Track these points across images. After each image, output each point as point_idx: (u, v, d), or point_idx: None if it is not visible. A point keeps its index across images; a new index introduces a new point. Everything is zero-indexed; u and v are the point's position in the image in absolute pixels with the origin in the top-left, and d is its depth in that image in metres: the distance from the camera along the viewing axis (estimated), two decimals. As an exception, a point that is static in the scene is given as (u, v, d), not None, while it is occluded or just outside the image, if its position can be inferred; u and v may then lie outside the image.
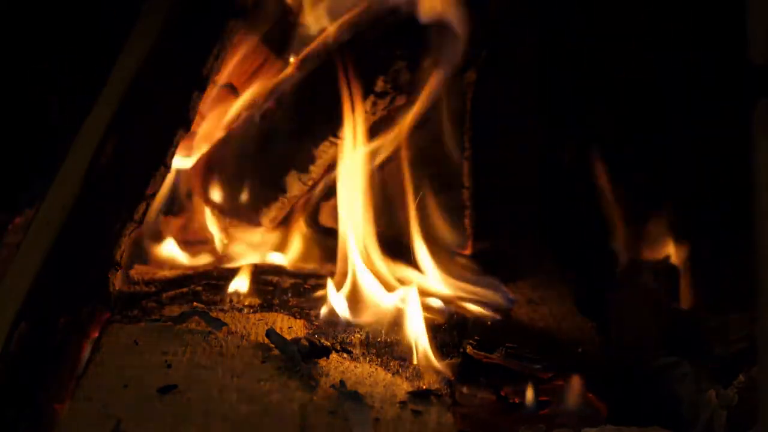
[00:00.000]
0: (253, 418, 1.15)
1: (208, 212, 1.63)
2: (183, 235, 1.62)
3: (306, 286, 1.54)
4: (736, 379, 1.30)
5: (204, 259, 1.59)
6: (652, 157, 1.57)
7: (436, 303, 1.46)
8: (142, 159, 1.41)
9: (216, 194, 1.62)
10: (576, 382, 1.32)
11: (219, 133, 1.62)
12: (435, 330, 1.40)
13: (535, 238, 1.66)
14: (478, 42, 1.55)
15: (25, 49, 1.52)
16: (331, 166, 1.58)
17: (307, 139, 1.57)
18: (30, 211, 1.39)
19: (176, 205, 1.63)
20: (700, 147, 1.52)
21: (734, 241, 1.40)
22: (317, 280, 1.53)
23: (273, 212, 1.60)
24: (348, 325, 1.40)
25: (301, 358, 1.26)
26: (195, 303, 1.46)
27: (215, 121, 1.62)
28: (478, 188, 1.64)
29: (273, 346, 1.31)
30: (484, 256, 1.61)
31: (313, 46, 1.59)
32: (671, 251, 1.55)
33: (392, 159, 1.60)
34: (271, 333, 1.32)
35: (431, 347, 1.34)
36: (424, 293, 1.46)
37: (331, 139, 1.55)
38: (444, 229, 1.60)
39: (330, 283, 1.44)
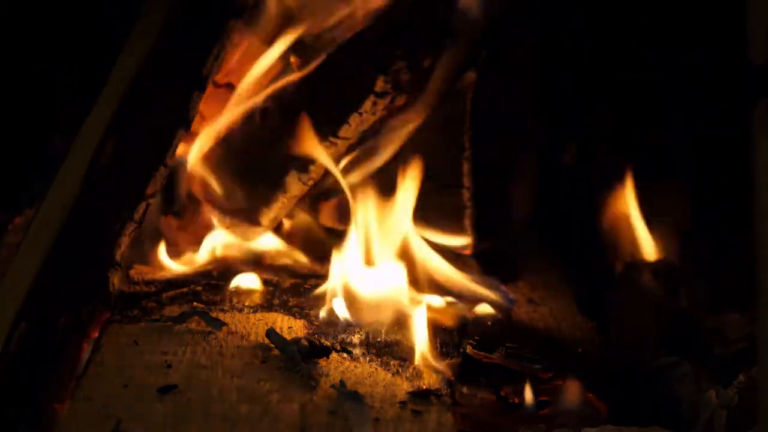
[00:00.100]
0: (253, 418, 1.15)
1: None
2: (182, 235, 1.62)
3: (306, 286, 1.54)
4: (736, 379, 1.30)
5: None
6: (652, 157, 1.57)
7: (438, 303, 1.46)
8: (142, 159, 1.41)
9: (216, 194, 1.62)
10: (576, 382, 1.32)
11: (219, 133, 1.62)
12: (435, 330, 1.40)
13: (535, 238, 1.66)
14: (478, 42, 1.55)
15: (25, 49, 1.52)
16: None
17: (307, 138, 1.57)
18: (30, 211, 1.39)
19: (176, 205, 1.63)
20: (700, 147, 1.52)
21: (734, 241, 1.40)
22: (317, 280, 1.53)
23: (273, 212, 1.60)
24: (348, 325, 1.40)
25: (301, 358, 1.26)
26: (195, 303, 1.46)
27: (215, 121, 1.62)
28: (478, 188, 1.64)
29: (273, 346, 1.31)
30: (484, 256, 1.61)
31: (312, 45, 1.59)
32: (671, 251, 1.55)
33: (393, 158, 1.60)
34: (271, 333, 1.32)
35: (432, 347, 1.34)
36: (425, 293, 1.47)
37: (331, 139, 1.55)
38: (444, 229, 1.60)
39: (329, 284, 1.45)
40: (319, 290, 1.49)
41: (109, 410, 1.15)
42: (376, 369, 1.30)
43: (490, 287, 1.51)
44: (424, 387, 1.25)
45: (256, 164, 1.60)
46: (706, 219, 1.52)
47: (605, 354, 1.44)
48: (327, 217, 1.65)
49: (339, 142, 1.56)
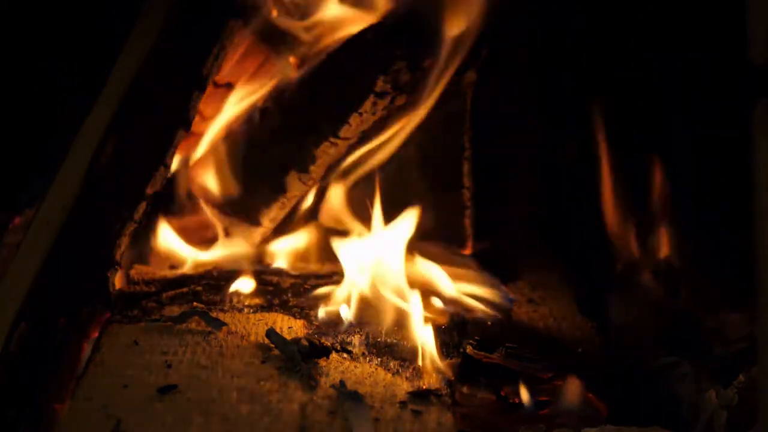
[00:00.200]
0: (253, 418, 1.15)
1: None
2: (182, 235, 1.62)
3: (306, 286, 1.54)
4: (736, 379, 1.30)
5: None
6: (652, 157, 1.57)
7: (438, 303, 1.46)
8: (142, 159, 1.41)
9: (216, 194, 1.62)
10: (576, 382, 1.32)
11: (219, 133, 1.62)
12: (435, 330, 1.41)
13: (535, 238, 1.66)
14: (478, 42, 1.55)
15: (25, 49, 1.52)
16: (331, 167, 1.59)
17: (307, 139, 1.57)
18: (30, 211, 1.39)
19: (176, 205, 1.63)
20: (700, 147, 1.52)
21: (734, 241, 1.40)
22: (317, 280, 1.53)
23: (273, 212, 1.60)
24: (349, 326, 1.40)
25: (301, 358, 1.26)
26: (195, 303, 1.46)
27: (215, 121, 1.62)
28: (478, 188, 1.64)
29: (273, 346, 1.31)
30: (484, 256, 1.61)
31: (313, 45, 1.59)
32: (671, 251, 1.55)
33: (393, 159, 1.60)
34: (271, 333, 1.32)
35: (435, 348, 1.34)
36: (425, 293, 1.47)
37: (331, 139, 1.55)
38: (444, 229, 1.60)
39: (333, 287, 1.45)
40: (322, 291, 1.49)
41: (109, 410, 1.15)
42: (376, 369, 1.30)
43: (490, 287, 1.51)
44: (424, 387, 1.25)
45: (256, 164, 1.60)
46: (706, 219, 1.52)
47: (605, 354, 1.44)
48: (327, 217, 1.65)
49: (339, 142, 1.56)
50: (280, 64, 1.62)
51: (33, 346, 1.27)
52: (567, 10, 1.60)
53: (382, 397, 1.22)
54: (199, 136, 1.62)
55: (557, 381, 1.33)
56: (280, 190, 1.59)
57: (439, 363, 1.31)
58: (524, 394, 1.29)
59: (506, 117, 1.64)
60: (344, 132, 1.55)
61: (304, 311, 1.46)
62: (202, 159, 1.62)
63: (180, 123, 1.43)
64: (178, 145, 1.45)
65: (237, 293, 1.50)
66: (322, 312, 1.43)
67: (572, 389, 1.31)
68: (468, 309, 1.47)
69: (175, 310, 1.42)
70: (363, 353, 1.34)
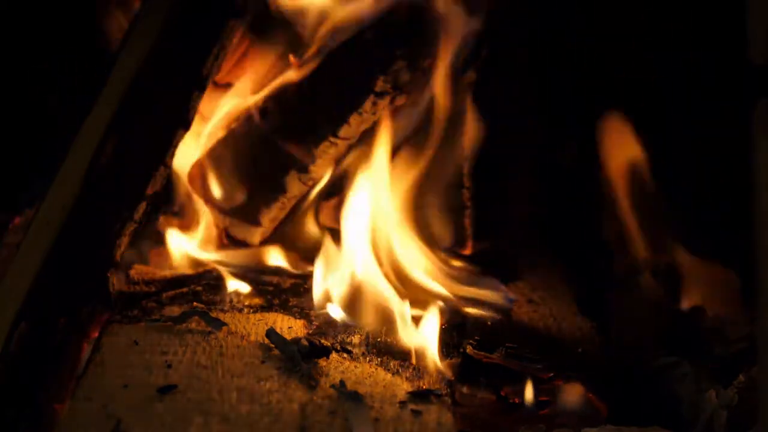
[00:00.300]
0: (253, 418, 1.15)
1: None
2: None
3: (306, 286, 1.54)
4: (736, 379, 1.30)
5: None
6: (652, 157, 1.57)
7: (437, 303, 1.46)
8: (142, 159, 1.41)
9: (216, 194, 1.62)
10: (576, 382, 1.32)
11: (219, 133, 1.62)
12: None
13: (535, 238, 1.66)
14: (478, 42, 1.55)
15: (25, 49, 1.52)
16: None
17: (307, 139, 1.57)
18: (30, 211, 1.39)
19: (176, 205, 1.63)
20: (700, 147, 1.52)
21: (734, 241, 1.40)
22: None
23: (273, 212, 1.60)
24: (348, 325, 1.40)
25: (301, 358, 1.26)
26: (195, 303, 1.46)
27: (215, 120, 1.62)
28: (478, 188, 1.64)
29: (273, 346, 1.31)
30: (484, 256, 1.61)
31: (313, 45, 1.59)
32: (671, 251, 1.55)
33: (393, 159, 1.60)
34: (271, 333, 1.32)
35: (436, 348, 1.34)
36: (424, 293, 1.47)
37: (331, 139, 1.55)
38: (444, 229, 1.60)
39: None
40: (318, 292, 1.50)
41: (109, 410, 1.15)
42: (376, 369, 1.30)
43: (490, 287, 1.51)
44: (424, 387, 1.25)
45: (256, 164, 1.60)
46: (706, 219, 1.52)
47: (605, 354, 1.44)
48: (327, 217, 1.65)
49: (339, 142, 1.56)
50: (280, 64, 1.62)
51: (33, 346, 1.27)
52: (567, 10, 1.60)
53: (382, 397, 1.22)
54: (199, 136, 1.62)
55: (557, 381, 1.33)
56: (280, 190, 1.59)
57: (439, 363, 1.31)
58: (529, 393, 1.29)
59: (506, 117, 1.64)
60: (344, 132, 1.55)
61: (304, 311, 1.46)
62: (202, 159, 1.62)
63: (180, 123, 1.43)
64: (178, 145, 1.44)
65: (237, 293, 1.50)
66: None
67: (572, 389, 1.31)
68: (467, 309, 1.47)
69: (175, 310, 1.42)
70: (363, 353, 1.34)
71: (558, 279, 1.61)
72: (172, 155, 1.44)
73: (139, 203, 1.40)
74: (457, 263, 1.59)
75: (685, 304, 1.53)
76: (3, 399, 1.22)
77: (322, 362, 1.29)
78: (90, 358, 1.29)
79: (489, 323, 1.46)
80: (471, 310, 1.47)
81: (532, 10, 1.60)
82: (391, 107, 1.56)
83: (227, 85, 1.62)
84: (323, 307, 1.43)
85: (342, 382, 1.22)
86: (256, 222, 1.60)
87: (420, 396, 1.22)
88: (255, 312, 1.45)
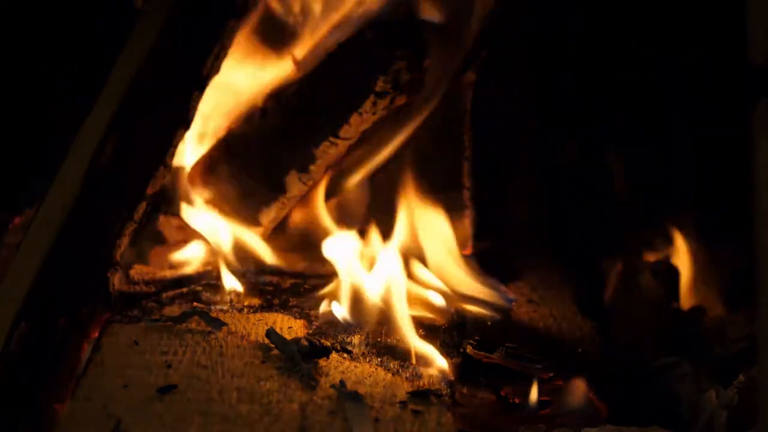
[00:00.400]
0: (253, 418, 1.15)
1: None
2: (182, 235, 1.62)
3: (306, 286, 1.54)
4: (736, 379, 1.30)
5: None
6: (652, 157, 1.57)
7: (437, 303, 1.46)
8: (142, 159, 1.41)
9: (216, 194, 1.62)
10: (576, 382, 1.32)
11: (219, 133, 1.62)
12: (435, 330, 1.41)
13: (534, 238, 1.66)
14: (478, 42, 1.55)
15: (25, 49, 1.52)
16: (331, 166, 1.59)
17: (307, 139, 1.57)
18: (30, 211, 1.39)
19: (176, 205, 1.63)
20: (700, 147, 1.52)
21: (734, 241, 1.40)
22: (317, 280, 1.53)
23: (273, 212, 1.60)
24: (348, 326, 1.40)
25: (301, 358, 1.26)
26: (195, 303, 1.46)
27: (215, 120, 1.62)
28: (478, 188, 1.64)
29: (273, 346, 1.31)
30: (484, 256, 1.61)
31: (313, 45, 1.59)
32: (671, 251, 1.55)
33: (393, 159, 1.60)
34: (271, 333, 1.32)
35: (432, 346, 1.34)
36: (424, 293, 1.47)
37: (331, 139, 1.55)
38: (444, 229, 1.60)
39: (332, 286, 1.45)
40: (322, 292, 1.50)
41: (109, 410, 1.15)
42: (376, 369, 1.30)
43: (490, 287, 1.51)
44: (424, 387, 1.25)
45: (256, 164, 1.60)
46: (706, 219, 1.52)
47: (605, 354, 1.44)
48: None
49: (339, 142, 1.56)
50: (280, 64, 1.62)
51: (33, 346, 1.27)
52: (567, 10, 1.60)
53: (382, 397, 1.22)
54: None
55: (557, 381, 1.33)
56: (280, 190, 1.59)
57: (437, 362, 1.31)
58: (533, 394, 1.29)
59: (506, 117, 1.64)
60: (344, 132, 1.55)
61: (304, 311, 1.46)
62: (202, 159, 1.62)
63: (180, 123, 1.43)
64: (178, 145, 1.44)
65: (237, 293, 1.50)
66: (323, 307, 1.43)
67: (573, 389, 1.31)
68: (467, 309, 1.47)
69: (175, 310, 1.42)
70: (363, 353, 1.34)
71: (558, 279, 1.61)
72: (172, 155, 1.44)
73: (139, 203, 1.40)
74: (457, 263, 1.59)
75: (685, 304, 1.53)
76: (3, 399, 1.22)
77: (322, 362, 1.28)
78: (90, 358, 1.29)
79: (489, 323, 1.46)
80: (471, 310, 1.47)
81: (532, 10, 1.60)
82: (392, 107, 1.56)
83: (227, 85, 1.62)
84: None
85: (342, 382, 1.22)
86: (256, 222, 1.60)
87: (420, 396, 1.22)
88: (255, 312, 1.45)
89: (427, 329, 1.41)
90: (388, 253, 1.47)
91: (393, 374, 1.29)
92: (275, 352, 1.30)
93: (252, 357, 1.29)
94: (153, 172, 1.41)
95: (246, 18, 1.51)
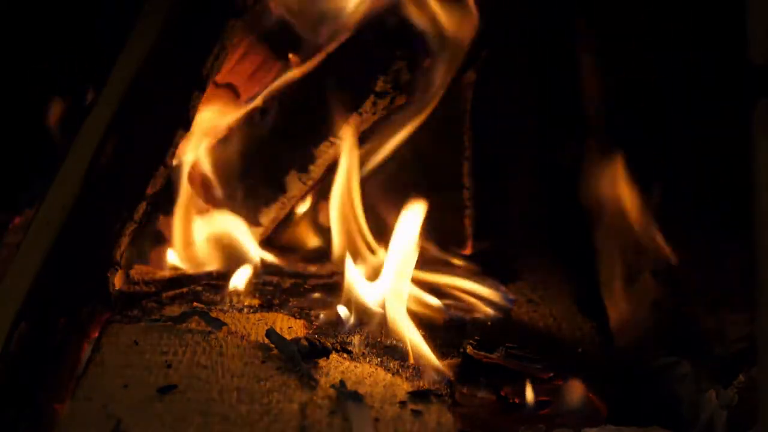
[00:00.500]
0: (252, 418, 1.15)
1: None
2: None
3: (306, 286, 1.54)
4: (736, 379, 1.30)
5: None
6: (652, 157, 1.57)
7: (437, 303, 1.47)
8: (142, 159, 1.41)
9: (216, 194, 1.62)
10: (576, 382, 1.32)
11: (219, 133, 1.62)
12: (435, 330, 1.41)
13: (534, 238, 1.66)
14: (478, 42, 1.55)
15: (25, 49, 1.52)
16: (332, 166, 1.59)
17: (307, 139, 1.57)
18: (30, 211, 1.39)
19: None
20: (700, 147, 1.52)
21: (734, 241, 1.40)
22: (317, 280, 1.53)
23: (273, 212, 1.60)
24: (351, 327, 1.40)
25: (301, 358, 1.26)
26: (195, 303, 1.46)
27: (215, 121, 1.62)
28: (478, 188, 1.64)
29: (273, 346, 1.31)
30: (484, 256, 1.61)
31: (313, 45, 1.59)
32: (671, 251, 1.55)
33: (392, 159, 1.60)
34: (271, 333, 1.32)
35: (429, 346, 1.34)
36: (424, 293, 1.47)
37: (331, 139, 1.56)
38: (444, 229, 1.60)
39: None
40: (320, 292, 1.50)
41: (109, 410, 1.15)
42: (376, 369, 1.30)
43: (490, 287, 1.51)
44: (424, 387, 1.25)
45: (256, 164, 1.60)
46: (706, 219, 1.52)
47: (605, 354, 1.44)
48: (327, 217, 1.65)
49: (339, 142, 1.56)
50: (281, 64, 1.62)
51: (33, 346, 1.27)
52: (567, 10, 1.60)
53: (382, 397, 1.22)
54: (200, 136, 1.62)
55: (557, 381, 1.33)
56: (280, 190, 1.59)
57: (436, 362, 1.31)
58: (529, 394, 1.29)
59: (506, 117, 1.64)
60: (344, 132, 1.55)
61: (304, 311, 1.46)
62: (202, 159, 1.62)
63: (180, 123, 1.43)
64: (178, 145, 1.44)
65: (237, 293, 1.50)
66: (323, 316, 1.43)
67: (572, 389, 1.31)
68: (467, 309, 1.47)
69: (175, 310, 1.42)
70: (363, 353, 1.33)
71: (558, 279, 1.61)
72: (172, 155, 1.44)
73: (139, 203, 1.40)
74: (457, 263, 1.59)
75: (685, 305, 1.53)
76: (3, 399, 1.22)
77: (322, 362, 1.28)
78: (90, 358, 1.29)
79: (489, 323, 1.46)
80: (471, 310, 1.47)
81: (532, 10, 1.60)
82: (392, 107, 1.56)
83: (227, 85, 1.62)
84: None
85: (342, 382, 1.22)
86: (256, 222, 1.60)
87: (420, 396, 1.22)
88: (255, 312, 1.45)
89: (427, 329, 1.41)
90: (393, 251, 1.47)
91: (393, 374, 1.29)
92: (275, 352, 1.30)
93: (252, 357, 1.29)
94: (153, 172, 1.41)
95: (246, 18, 1.51)
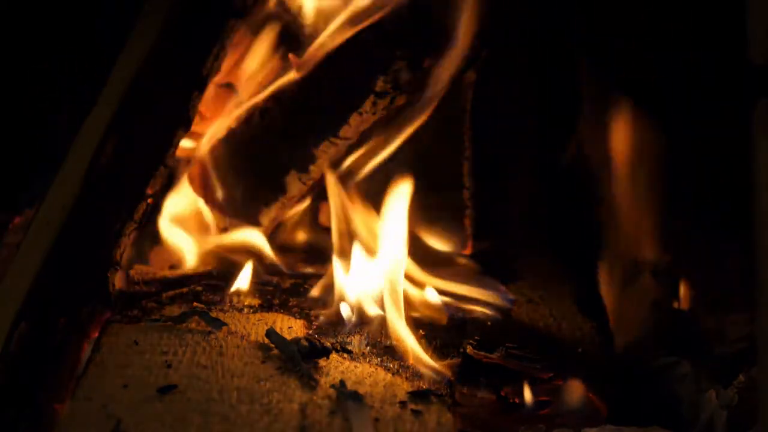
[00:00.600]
0: (252, 418, 1.15)
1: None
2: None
3: (306, 286, 1.54)
4: (736, 379, 1.30)
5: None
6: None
7: (437, 302, 1.46)
8: (142, 159, 1.41)
9: (216, 194, 1.62)
10: (576, 382, 1.32)
11: (219, 133, 1.62)
12: (435, 330, 1.41)
13: (535, 238, 1.66)
14: (478, 42, 1.55)
15: (25, 49, 1.52)
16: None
17: (307, 139, 1.57)
18: (30, 211, 1.39)
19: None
20: (700, 147, 1.52)
21: (734, 241, 1.40)
22: (317, 280, 1.53)
23: (273, 212, 1.60)
24: (353, 326, 1.40)
25: (301, 358, 1.26)
26: (195, 303, 1.46)
27: (215, 121, 1.62)
28: (478, 188, 1.64)
29: (273, 346, 1.31)
30: (484, 256, 1.61)
31: (313, 45, 1.59)
32: (671, 251, 1.55)
33: (393, 158, 1.60)
34: (271, 333, 1.32)
35: (423, 346, 1.34)
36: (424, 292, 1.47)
37: (331, 139, 1.55)
38: (444, 230, 1.60)
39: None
40: (319, 291, 1.49)
41: (109, 410, 1.15)
42: (376, 369, 1.30)
43: (490, 287, 1.51)
44: (424, 387, 1.25)
45: (256, 164, 1.60)
46: (706, 219, 1.52)
47: (605, 354, 1.44)
48: (327, 217, 1.65)
49: (339, 141, 1.56)
50: (280, 64, 1.62)
51: (33, 346, 1.27)
52: (567, 10, 1.60)
53: (382, 397, 1.22)
54: (199, 136, 1.62)
55: (557, 381, 1.33)
56: (280, 190, 1.59)
57: (433, 362, 1.31)
58: (527, 394, 1.29)
59: (506, 117, 1.64)
60: (344, 132, 1.55)
61: (304, 311, 1.46)
62: (202, 159, 1.62)
63: (180, 123, 1.43)
64: (178, 145, 1.44)
65: (237, 293, 1.50)
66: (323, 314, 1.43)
67: (572, 389, 1.31)
68: (467, 309, 1.47)
69: (175, 310, 1.42)
70: (363, 353, 1.34)
71: (558, 279, 1.61)
72: (172, 155, 1.44)
73: (139, 203, 1.40)
74: (457, 263, 1.59)
75: (685, 305, 1.53)
76: (3, 399, 1.22)
77: (322, 362, 1.29)
78: (90, 358, 1.29)
79: (489, 323, 1.46)
80: (471, 310, 1.47)
81: (532, 10, 1.60)
82: (392, 107, 1.56)
83: (227, 85, 1.62)
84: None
85: (342, 382, 1.22)
86: (256, 222, 1.60)
87: (420, 396, 1.23)
88: (255, 312, 1.45)
89: (427, 329, 1.41)
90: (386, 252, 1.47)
91: (393, 374, 1.29)
92: (275, 352, 1.30)
93: (252, 357, 1.29)
94: (153, 172, 1.41)
95: (246, 18, 1.51)
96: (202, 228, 1.63)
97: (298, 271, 1.59)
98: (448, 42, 1.53)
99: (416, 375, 1.29)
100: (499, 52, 1.61)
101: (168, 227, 1.56)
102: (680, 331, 1.48)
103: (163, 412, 1.15)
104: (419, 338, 1.37)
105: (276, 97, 1.60)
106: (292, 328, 1.40)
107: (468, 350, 1.36)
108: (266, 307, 1.47)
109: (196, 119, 1.50)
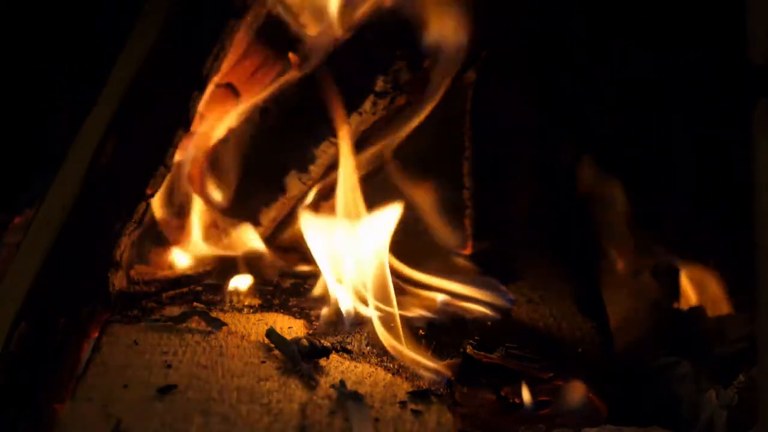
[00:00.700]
0: (253, 418, 1.15)
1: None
2: (182, 235, 1.62)
3: (306, 286, 1.54)
4: (736, 379, 1.30)
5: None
6: (652, 157, 1.57)
7: (436, 302, 1.46)
8: (142, 159, 1.41)
9: (216, 194, 1.62)
10: (576, 382, 1.32)
11: (219, 133, 1.62)
12: (435, 330, 1.41)
13: (535, 238, 1.66)
14: (478, 42, 1.55)
15: (25, 49, 1.52)
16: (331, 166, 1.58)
17: (307, 139, 1.57)
18: (30, 211, 1.39)
19: (176, 205, 1.63)
20: (700, 147, 1.52)
21: (734, 241, 1.40)
22: (317, 281, 1.53)
23: (273, 212, 1.60)
24: (352, 326, 1.40)
25: (301, 358, 1.26)
26: (195, 303, 1.46)
27: (215, 121, 1.62)
28: (478, 188, 1.64)
29: (273, 346, 1.31)
30: (484, 256, 1.61)
31: (313, 45, 1.59)
32: (671, 251, 1.55)
33: (392, 160, 1.60)
34: (271, 333, 1.32)
35: (423, 346, 1.34)
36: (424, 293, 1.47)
37: (331, 139, 1.55)
38: (443, 229, 1.60)
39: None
40: (319, 291, 1.49)
41: (109, 410, 1.15)
42: (376, 369, 1.30)
43: (490, 287, 1.51)
44: (424, 387, 1.25)
45: (256, 164, 1.60)
46: (706, 219, 1.52)
47: (605, 354, 1.44)
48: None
49: (339, 142, 1.55)
50: (281, 63, 1.61)
51: (33, 346, 1.27)
52: (567, 10, 1.60)
53: (382, 396, 1.22)
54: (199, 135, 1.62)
55: (557, 381, 1.33)
56: (280, 190, 1.59)
57: (432, 362, 1.31)
58: (526, 394, 1.29)
59: (506, 117, 1.64)
60: (344, 132, 1.55)
61: (304, 311, 1.46)
62: (202, 159, 1.62)
63: (180, 123, 1.43)
64: (178, 145, 1.44)
65: (237, 293, 1.50)
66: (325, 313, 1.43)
67: (572, 389, 1.31)
68: (467, 309, 1.47)
69: (175, 310, 1.42)
70: (363, 353, 1.34)
71: (558, 279, 1.61)
72: (172, 155, 1.44)
73: (139, 203, 1.40)
74: (457, 263, 1.59)
75: (685, 305, 1.53)
76: (3, 399, 1.22)
77: (322, 362, 1.29)
78: (90, 358, 1.29)
79: (489, 323, 1.46)
80: (471, 310, 1.47)
81: (532, 10, 1.60)
82: (392, 107, 1.56)
83: (227, 85, 1.62)
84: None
85: (342, 382, 1.22)
86: (256, 222, 1.60)
87: (420, 396, 1.23)
88: (255, 312, 1.45)
89: (427, 329, 1.41)
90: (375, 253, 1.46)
91: (393, 374, 1.29)
92: (275, 352, 1.30)
93: (252, 357, 1.29)
94: (153, 172, 1.41)
95: (245, 18, 1.51)
96: (202, 228, 1.63)
97: (298, 271, 1.59)
98: (449, 42, 1.54)
99: (416, 375, 1.29)
100: (499, 52, 1.61)
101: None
102: (680, 331, 1.48)
103: (163, 412, 1.15)
104: (419, 339, 1.36)
105: (276, 97, 1.60)
106: (292, 328, 1.40)
107: (468, 350, 1.36)
108: (266, 307, 1.47)
109: (196, 119, 1.50)
